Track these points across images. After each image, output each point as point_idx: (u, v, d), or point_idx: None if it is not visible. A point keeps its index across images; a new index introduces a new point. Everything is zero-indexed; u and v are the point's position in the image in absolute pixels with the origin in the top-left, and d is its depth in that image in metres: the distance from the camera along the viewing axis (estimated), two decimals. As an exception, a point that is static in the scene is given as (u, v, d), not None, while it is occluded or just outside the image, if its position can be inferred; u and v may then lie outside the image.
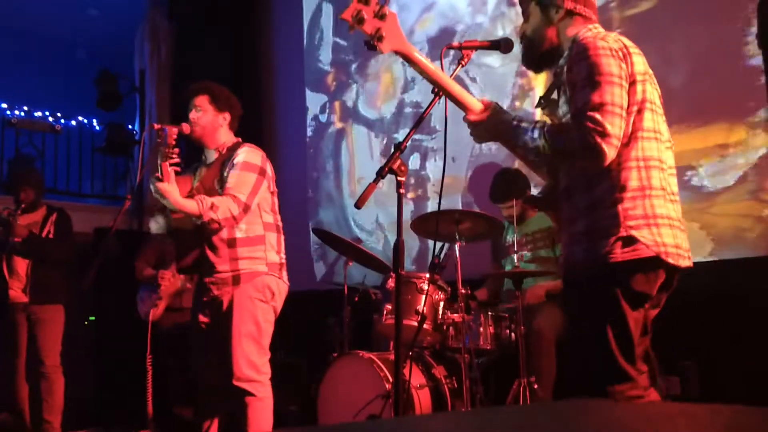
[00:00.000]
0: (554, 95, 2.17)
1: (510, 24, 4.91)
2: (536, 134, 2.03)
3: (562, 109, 2.09)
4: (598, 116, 1.91)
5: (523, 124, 2.07)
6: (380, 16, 2.02)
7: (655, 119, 2.05)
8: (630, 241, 1.95)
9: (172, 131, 2.93)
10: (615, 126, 1.92)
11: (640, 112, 2.01)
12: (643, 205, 1.97)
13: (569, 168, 2.11)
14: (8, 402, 4.47)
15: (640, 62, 2.05)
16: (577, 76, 2.00)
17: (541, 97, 2.25)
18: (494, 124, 2.12)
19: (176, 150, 2.91)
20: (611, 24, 4.20)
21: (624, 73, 1.99)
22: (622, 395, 1.94)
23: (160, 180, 2.85)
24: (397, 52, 2.08)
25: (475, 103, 2.16)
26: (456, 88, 2.16)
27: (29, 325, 4.49)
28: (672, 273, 2.02)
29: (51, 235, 4.57)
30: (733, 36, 3.78)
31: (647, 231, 1.95)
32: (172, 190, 2.86)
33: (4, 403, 4.49)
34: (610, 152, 1.92)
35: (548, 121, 2.19)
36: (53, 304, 4.53)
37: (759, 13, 3.59)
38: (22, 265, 4.50)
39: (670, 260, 1.97)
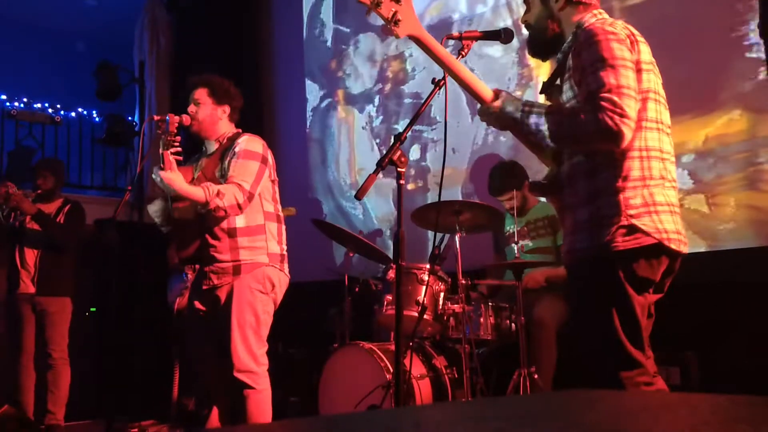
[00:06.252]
0: (557, 81, 2.16)
1: (511, 14, 4.89)
2: (548, 120, 2.02)
3: (567, 94, 2.09)
4: (615, 98, 1.90)
5: (534, 110, 2.06)
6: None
7: (657, 109, 2.05)
8: (632, 229, 1.96)
9: (174, 119, 2.93)
10: (631, 108, 1.92)
11: (644, 101, 2.01)
12: (643, 194, 1.98)
13: (571, 155, 2.10)
14: (11, 393, 4.48)
15: (646, 51, 2.06)
16: (587, 60, 1.99)
17: (544, 83, 2.24)
18: (505, 114, 2.12)
19: (178, 138, 2.91)
20: (612, 14, 4.18)
21: (633, 59, 1.99)
22: (631, 381, 1.96)
23: (163, 169, 2.84)
24: (411, 36, 2.07)
25: (486, 90, 2.16)
26: (467, 74, 2.16)
27: (36, 316, 4.50)
28: (674, 258, 2.04)
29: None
30: (735, 26, 3.77)
31: (648, 218, 1.96)
32: (176, 177, 2.85)
33: (7, 394, 4.49)
34: (628, 134, 1.92)
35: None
36: (60, 296, 4.53)
37: (761, 3, 3.58)
38: (31, 255, 4.51)
39: (672, 246, 1.99)
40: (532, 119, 2.06)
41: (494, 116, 2.15)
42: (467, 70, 2.17)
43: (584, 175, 2.05)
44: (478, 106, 2.21)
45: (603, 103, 1.90)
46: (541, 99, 2.37)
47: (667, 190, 2.02)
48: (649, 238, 1.95)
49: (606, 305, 1.99)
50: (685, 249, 2.03)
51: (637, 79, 1.99)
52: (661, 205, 1.99)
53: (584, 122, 1.93)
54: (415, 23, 2.06)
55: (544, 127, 2.02)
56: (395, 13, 2.02)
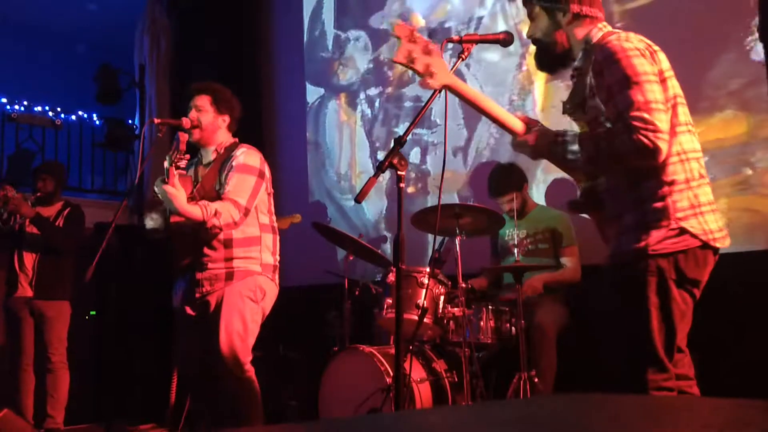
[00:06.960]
0: (578, 101, 2.19)
1: (509, 19, 4.90)
2: (584, 146, 2.06)
3: (590, 113, 2.12)
4: (645, 115, 1.94)
5: (568, 138, 2.11)
6: (427, 52, 2.10)
7: (684, 112, 2.10)
8: (680, 232, 2.00)
9: (184, 137, 2.97)
10: (663, 122, 1.96)
11: (674, 107, 2.06)
12: (688, 196, 2.03)
13: (614, 169, 2.13)
14: (11, 397, 4.47)
15: (664, 59, 2.11)
16: (610, 79, 2.02)
17: (564, 103, 2.27)
18: (541, 145, 2.18)
19: (187, 156, 2.95)
20: (612, 18, 4.19)
21: (655, 70, 2.03)
22: (656, 384, 1.99)
23: (166, 183, 2.86)
24: (446, 86, 2.15)
25: (517, 123, 2.24)
26: (500, 112, 2.24)
27: (34, 320, 4.49)
28: (716, 254, 2.10)
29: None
30: (736, 29, 3.77)
31: (695, 221, 2.02)
32: (179, 195, 2.87)
33: (7, 397, 4.48)
34: (665, 148, 1.95)
35: (576, 125, 2.25)
36: (59, 300, 4.53)
37: (760, 6, 3.59)
38: (30, 259, 4.51)
39: (718, 245, 2.05)
40: (568, 147, 2.11)
41: (529, 148, 2.21)
42: (499, 107, 2.26)
43: (627, 185, 2.09)
44: (511, 138, 2.29)
45: (634, 122, 1.94)
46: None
47: (706, 188, 2.09)
48: (696, 240, 2.01)
49: (647, 306, 2.01)
50: (728, 242, 2.09)
51: (663, 89, 2.03)
52: (705, 205, 2.05)
53: (620, 144, 1.97)
54: (447, 73, 2.14)
55: (586, 153, 2.06)
56: (428, 66, 2.09)
